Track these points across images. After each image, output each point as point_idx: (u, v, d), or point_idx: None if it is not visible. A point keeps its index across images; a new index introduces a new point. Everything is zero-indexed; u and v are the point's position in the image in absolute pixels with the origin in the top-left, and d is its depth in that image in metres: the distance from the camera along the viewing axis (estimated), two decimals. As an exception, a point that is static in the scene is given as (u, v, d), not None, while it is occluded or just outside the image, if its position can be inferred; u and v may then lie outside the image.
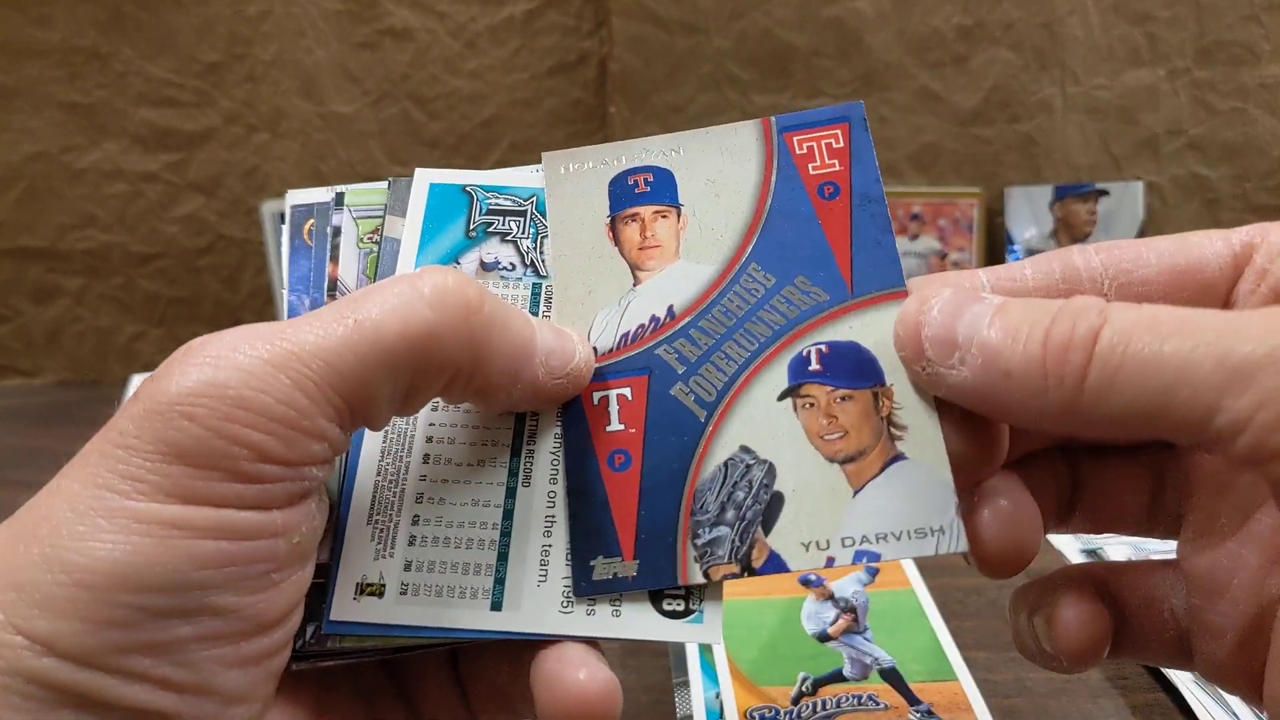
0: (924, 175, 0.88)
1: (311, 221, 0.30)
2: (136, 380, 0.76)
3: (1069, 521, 0.30)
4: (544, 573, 0.27)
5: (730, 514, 0.27)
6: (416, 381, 0.24)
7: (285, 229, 0.30)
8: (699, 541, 0.27)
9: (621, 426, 0.28)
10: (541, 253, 0.30)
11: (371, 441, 0.27)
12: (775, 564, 0.27)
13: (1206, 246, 0.27)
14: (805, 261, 0.29)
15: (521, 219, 0.30)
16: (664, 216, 0.31)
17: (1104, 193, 0.87)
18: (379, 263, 0.29)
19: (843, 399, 0.28)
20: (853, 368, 0.28)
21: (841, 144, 0.30)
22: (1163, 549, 0.58)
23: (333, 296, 0.29)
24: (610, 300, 0.30)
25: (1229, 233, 0.27)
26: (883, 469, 0.27)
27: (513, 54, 0.86)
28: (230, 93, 0.86)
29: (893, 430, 0.28)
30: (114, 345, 0.92)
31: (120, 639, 0.22)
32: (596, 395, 0.29)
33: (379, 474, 0.27)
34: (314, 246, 0.29)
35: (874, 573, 0.59)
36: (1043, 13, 0.84)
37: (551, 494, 0.28)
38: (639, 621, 0.27)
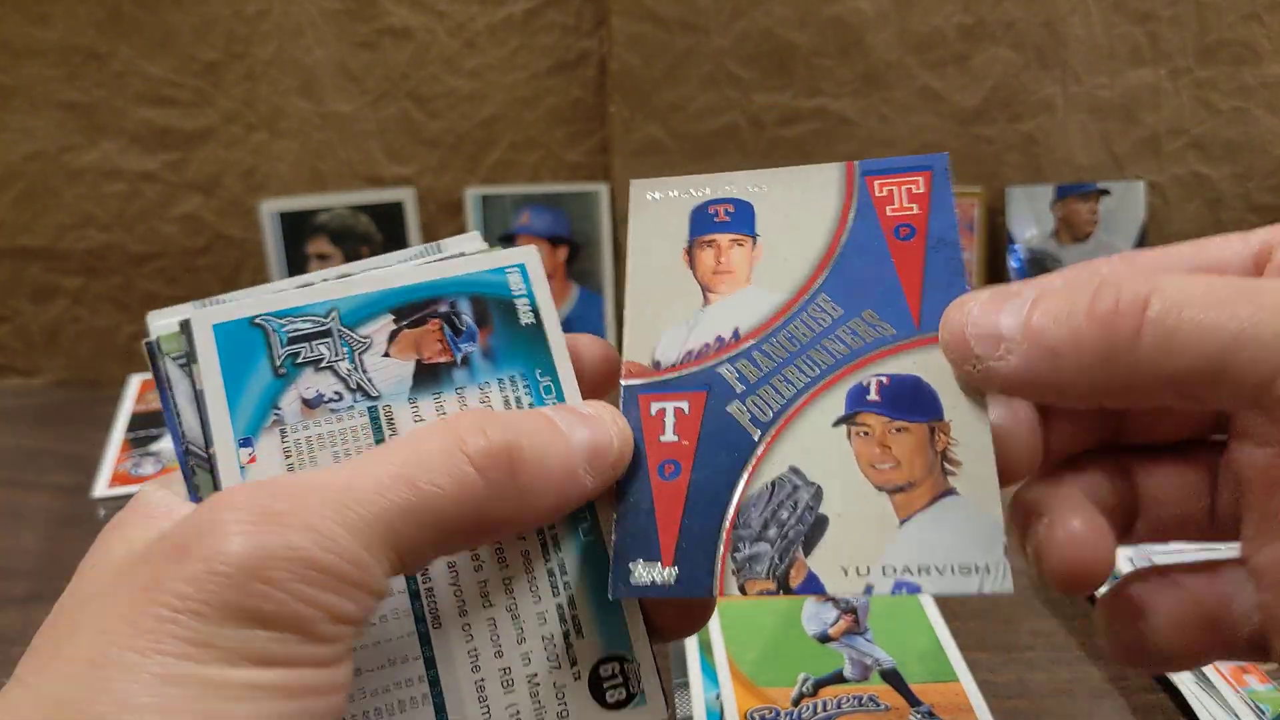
0: (925, 174, 0.88)
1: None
2: (136, 380, 0.76)
3: (1132, 532, 0.30)
4: (485, 708, 0.27)
5: (772, 531, 0.28)
6: (467, 539, 0.25)
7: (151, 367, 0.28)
8: (739, 555, 0.27)
9: (675, 438, 0.29)
10: (365, 371, 0.28)
11: None
12: (812, 585, 0.27)
13: (1226, 249, 0.28)
14: (875, 297, 0.30)
15: (330, 339, 0.28)
16: (739, 244, 0.32)
17: (1105, 192, 0.87)
18: (203, 424, 0.27)
19: (898, 430, 0.28)
20: (911, 401, 0.29)
21: (922, 190, 0.31)
22: (1166, 551, 0.58)
23: (187, 450, 0.28)
24: (679, 318, 0.31)
25: (1246, 235, 0.28)
26: (932, 502, 0.27)
27: (512, 53, 0.86)
28: (229, 92, 0.86)
29: (946, 465, 0.28)
30: (113, 345, 0.92)
31: None
32: (654, 406, 0.29)
33: None
34: (165, 390, 0.28)
35: (874, 573, 0.59)
36: (1044, 12, 0.84)
37: (467, 627, 0.27)
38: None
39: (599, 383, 0.31)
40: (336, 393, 0.28)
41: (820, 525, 0.28)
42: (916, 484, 0.28)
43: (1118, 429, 0.31)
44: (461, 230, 0.90)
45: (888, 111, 0.86)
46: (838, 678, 0.51)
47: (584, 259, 0.91)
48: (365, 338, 0.28)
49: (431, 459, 0.24)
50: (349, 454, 0.27)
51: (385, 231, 0.89)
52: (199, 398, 0.27)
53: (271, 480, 0.24)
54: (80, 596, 0.25)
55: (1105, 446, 0.31)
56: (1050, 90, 0.86)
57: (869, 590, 0.27)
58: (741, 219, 0.32)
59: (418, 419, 0.28)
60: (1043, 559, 0.27)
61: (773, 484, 0.28)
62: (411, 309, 0.29)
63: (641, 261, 0.32)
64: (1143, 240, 0.86)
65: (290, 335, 0.28)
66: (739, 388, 0.29)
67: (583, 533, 0.29)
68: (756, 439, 0.29)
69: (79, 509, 0.73)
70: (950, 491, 0.27)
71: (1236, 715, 0.47)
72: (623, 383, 0.31)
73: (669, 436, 0.29)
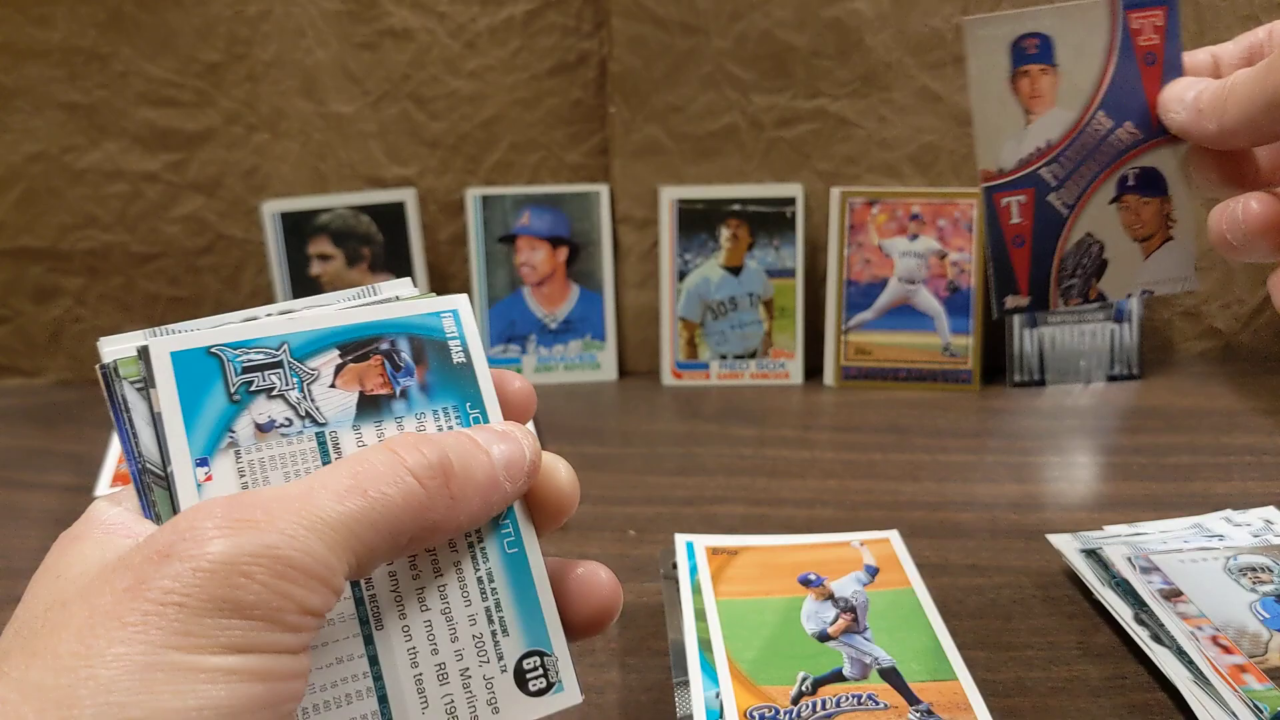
0: (924, 175, 0.88)
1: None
2: (137, 380, 0.77)
3: None
4: (424, 700, 0.30)
5: (1079, 270, 0.47)
6: (411, 541, 0.28)
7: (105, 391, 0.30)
8: (1063, 286, 0.47)
9: (1020, 220, 0.47)
10: (313, 400, 0.30)
11: None
12: (1101, 297, 0.48)
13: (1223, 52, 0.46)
14: (1133, 111, 0.45)
15: (280, 370, 0.30)
16: (1045, 74, 0.45)
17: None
18: (160, 444, 0.29)
19: (1144, 203, 0.46)
20: (1151, 183, 0.46)
21: (1161, 23, 0.45)
22: (1154, 539, 0.58)
23: (143, 468, 0.29)
24: (1011, 133, 0.46)
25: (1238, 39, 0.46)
26: (1160, 245, 0.47)
27: (513, 54, 0.86)
28: (230, 93, 0.86)
29: (1168, 222, 0.47)
30: (114, 345, 0.92)
31: None
32: (1004, 200, 0.46)
33: None
34: (121, 414, 0.29)
35: (874, 572, 0.59)
36: (1042, 13, 0.84)
37: (406, 629, 0.30)
38: (516, 711, 0.30)
39: (520, 409, 0.35)
40: (287, 419, 0.30)
41: (1103, 265, 0.47)
42: (1154, 236, 0.47)
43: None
44: (463, 231, 0.90)
45: (886, 112, 0.87)
46: (837, 676, 0.52)
47: (584, 259, 0.91)
48: (313, 370, 0.31)
49: (378, 472, 0.27)
50: (299, 474, 0.30)
51: (386, 232, 0.89)
52: (155, 420, 0.29)
53: (240, 494, 0.27)
54: (51, 601, 0.26)
55: None
56: (1049, 91, 0.86)
57: (1129, 295, 0.48)
58: (1045, 50, 0.45)
59: (360, 444, 0.30)
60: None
61: (1077, 244, 0.47)
62: (356, 345, 0.31)
63: (980, 91, 0.46)
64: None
65: (244, 365, 0.30)
66: (1053, 183, 0.46)
67: (506, 545, 0.32)
68: (1065, 216, 0.47)
69: (81, 508, 0.73)
70: (1169, 239, 0.47)
71: (1235, 714, 0.47)
72: (981, 186, 0.47)
73: (1015, 220, 0.46)
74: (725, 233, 0.89)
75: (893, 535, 0.63)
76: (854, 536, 0.63)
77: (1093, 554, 0.59)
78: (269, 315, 0.31)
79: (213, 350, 0.30)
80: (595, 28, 0.86)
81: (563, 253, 0.91)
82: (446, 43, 0.86)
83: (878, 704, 0.50)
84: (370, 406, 0.31)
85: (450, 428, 0.32)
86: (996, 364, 0.90)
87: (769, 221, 0.89)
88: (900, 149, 0.88)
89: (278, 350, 0.30)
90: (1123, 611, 0.55)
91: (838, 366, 0.90)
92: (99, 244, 0.89)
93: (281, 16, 0.85)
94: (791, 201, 0.88)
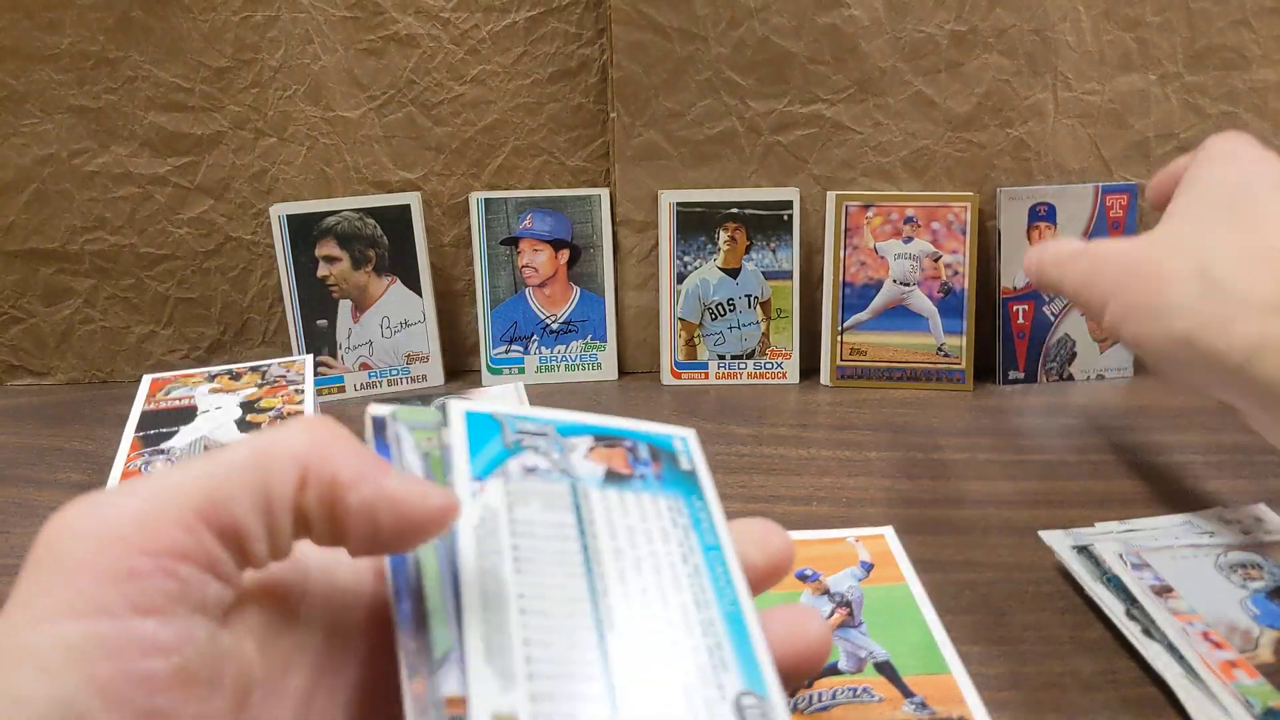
0: (918, 179, 0.89)
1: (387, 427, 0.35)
2: (147, 380, 0.77)
3: None
4: (650, 695, 0.30)
5: (1058, 357, 0.60)
6: (268, 478, 0.27)
7: (369, 433, 0.35)
8: (1046, 366, 0.68)
9: (1023, 321, 0.61)
10: (569, 463, 0.36)
11: (471, 593, 0.30)
12: (1071, 376, 0.65)
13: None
14: None
15: (546, 438, 0.37)
16: (1049, 229, 0.64)
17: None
18: (443, 463, 0.34)
19: None
20: None
21: (1125, 203, 0.62)
22: (1146, 536, 0.59)
23: None
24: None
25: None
26: (1111, 346, 0.58)
27: (515, 60, 0.87)
28: (238, 97, 0.87)
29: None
30: (124, 345, 0.93)
31: None
32: (1014, 307, 0.63)
33: (485, 624, 0.30)
34: (389, 447, 0.35)
35: (869, 568, 0.60)
36: (1035, 19, 0.85)
37: (637, 639, 0.32)
38: None
39: (770, 572, 0.36)
40: (548, 469, 0.35)
41: (1074, 355, 0.63)
42: (1106, 339, 0.57)
43: None
44: (467, 234, 0.91)
45: (882, 118, 0.88)
46: (832, 669, 0.52)
47: (585, 262, 0.92)
48: (572, 445, 0.37)
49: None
50: (550, 506, 0.34)
51: (391, 235, 0.90)
52: (444, 451, 0.34)
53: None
54: None
55: None
56: (1041, 96, 0.87)
57: (1088, 378, 0.56)
58: (1050, 214, 0.61)
59: (604, 501, 0.35)
60: None
61: (1059, 340, 0.60)
62: (606, 438, 0.38)
63: (1007, 235, 0.59)
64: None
65: (519, 429, 0.36)
66: (1046, 299, 0.60)
67: (718, 579, 0.35)
68: (1052, 321, 0.61)
69: (93, 507, 0.74)
70: (1117, 342, 0.58)
71: (1226, 709, 0.47)
72: (1001, 297, 0.59)
73: (1020, 320, 0.61)
74: (723, 235, 0.90)
75: (887, 531, 0.64)
76: (849, 533, 0.64)
77: (1085, 550, 0.60)
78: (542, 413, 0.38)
79: (496, 416, 0.37)
80: (596, 34, 0.87)
81: (564, 255, 0.92)
82: (450, 49, 0.87)
83: (872, 697, 0.51)
84: (615, 479, 0.36)
85: (679, 512, 0.36)
86: (989, 364, 0.90)
87: (766, 225, 0.90)
88: (895, 153, 0.89)
89: (546, 425, 0.37)
90: (1114, 607, 0.55)
91: (834, 366, 0.92)
92: (108, 246, 0.90)
93: (288, 23, 0.86)
94: (788, 205, 0.89)
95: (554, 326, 0.93)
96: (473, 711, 0.28)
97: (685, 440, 0.39)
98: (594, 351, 0.94)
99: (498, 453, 0.35)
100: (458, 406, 0.36)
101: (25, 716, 0.22)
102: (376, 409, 0.35)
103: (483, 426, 0.36)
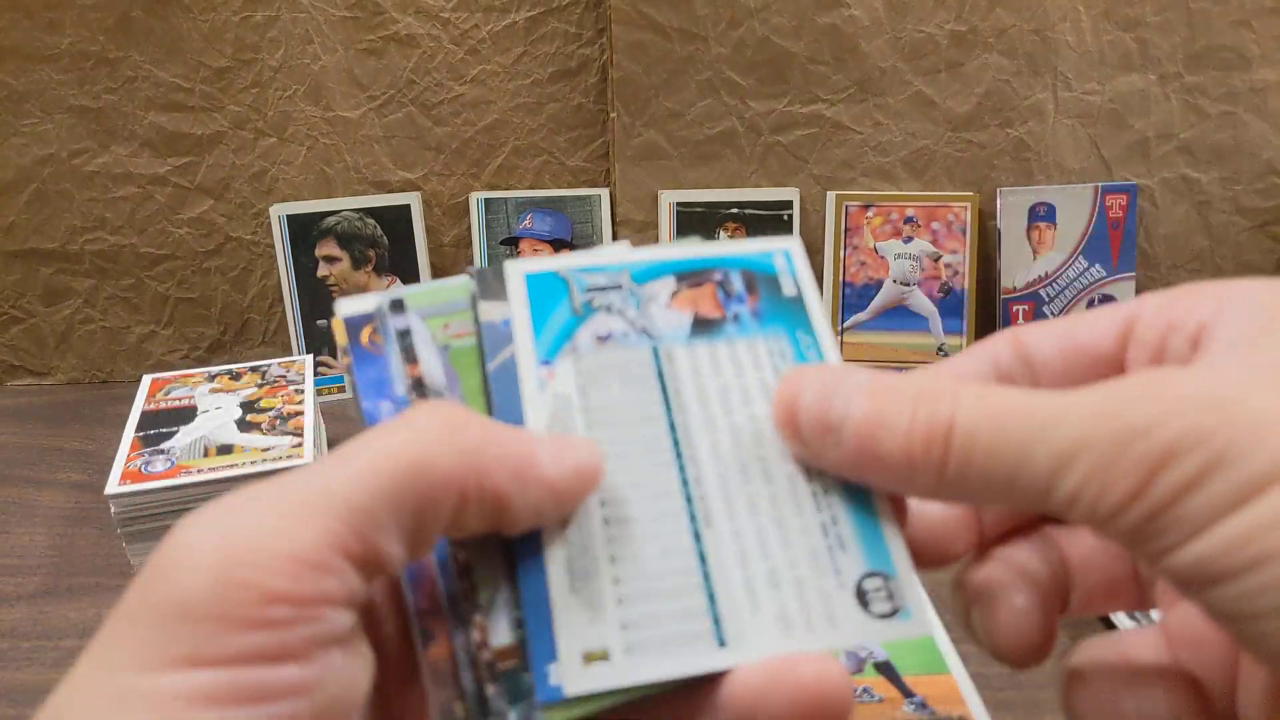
0: (918, 179, 0.89)
1: (370, 328, 0.31)
2: (147, 380, 0.77)
3: (1069, 604, 0.32)
4: (754, 602, 0.28)
5: None
6: (423, 505, 0.25)
7: (341, 342, 0.31)
8: None
9: (1023, 322, 0.53)
10: (650, 318, 0.32)
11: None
12: None
13: (1095, 326, 0.29)
14: (1103, 257, 0.56)
15: (621, 291, 0.32)
16: (1049, 229, 0.57)
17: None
18: (483, 349, 0.30)
19: None
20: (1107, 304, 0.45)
21: (1125, 203, 0.55)
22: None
23: (421, 395, 0.30)
24: (1023, 265, 0.54)
25: (1117, 307, 0.29)
26: None
27: (515, 60, 0.87)
28: (238, 97, 0.87)
29: None
30: (124, 345, 0.93)
31: None
32: (1014, 307, 0.52)
33: (567, 545, 0.27)
34: (382, 352, 0.30)
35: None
36: (1035, 19, 0.85)
37: (737, 531, 0.29)
38: (855, 629, 0.28)
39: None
40: (624, 332, 0.31)
41: None
42: None
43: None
44: (467, 234, 0.91)
45: (882, 117, 0.88)
46: (833, 669, 0.52)
47: (585, 261, 0.92)
48: (651, 293, 0.32)
49: (375, 435, 0.25)
50: (630, 382, 0.30)
51: (391, 235, 0.90)
52: (482, 330, 0.30)
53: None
54: None
55: (1033, 520, 0.32)
56: (1041, 96, 0.87)
57: None
58: (1050, 214, 0.56)
59: (692, 360, 0.31)
60: (992, 637, 0.29)
61: None
62: (691, 274, 0.33)
63: (1007, 236, 0.54)
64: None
65: (588, 286, 0.32)
66: (1046, 299, 0.54)
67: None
68: None
69: (90, 506, 0.75)
70: None
71: None
72: (1002, 297, 0.49)
73: (1020, 321, 0.54)
74: (723, 236, 0.90)
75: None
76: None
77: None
78: (616, 250, 0.33)
79: (561, 273, 0.32)
80: (596, 34, 0.87)
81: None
82: (450, 49, 0.87)
83: (873, 697, 0.51)
84: (703, 328, 0.32)
85: (782, 355, 0.31)
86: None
87: (766, 225, 0.90)
88: (895, 153, 0.89)
89: (619, 274, 0.32)
90: (1111, 607, 0.55)
91: (834, 366, 0.91)
92: (108, 245, 0.90)
93: (288, 23, 0.86)
94: (788, 205, 0.89)
95: (554, 326, 0.93)
96: (561, 653, 0.25)
97: (788, 254, 0.33)
98: (594, 351, 0.94)
99: (565, 322, 0.31)
100: (516, 268, 0.31)
101: None
102: (349, 304, 0.31)
103: (546, 290, 0.31)
